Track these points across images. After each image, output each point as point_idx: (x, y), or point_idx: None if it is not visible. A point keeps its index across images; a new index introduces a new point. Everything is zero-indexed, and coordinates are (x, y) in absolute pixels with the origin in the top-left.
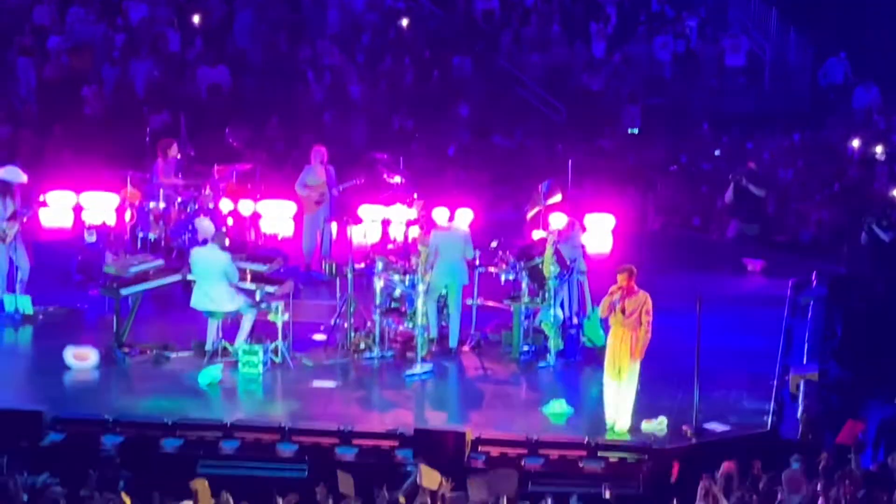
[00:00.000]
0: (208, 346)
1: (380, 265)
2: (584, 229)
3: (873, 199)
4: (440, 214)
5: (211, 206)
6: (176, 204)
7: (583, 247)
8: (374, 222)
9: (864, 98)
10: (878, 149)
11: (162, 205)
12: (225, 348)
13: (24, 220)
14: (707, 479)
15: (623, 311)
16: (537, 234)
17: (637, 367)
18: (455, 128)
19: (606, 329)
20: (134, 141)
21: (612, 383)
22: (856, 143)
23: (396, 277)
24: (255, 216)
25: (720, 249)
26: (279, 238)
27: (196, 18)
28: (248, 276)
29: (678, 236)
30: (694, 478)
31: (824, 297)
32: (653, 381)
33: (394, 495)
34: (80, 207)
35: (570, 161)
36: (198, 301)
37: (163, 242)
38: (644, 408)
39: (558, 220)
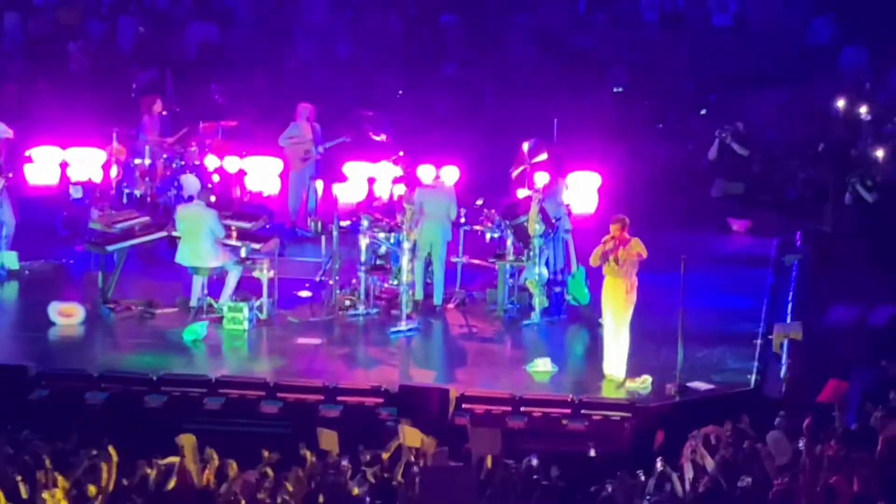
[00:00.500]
0: (193, 303)
1: (365, 223)
2: (567, 186)
3: (857, 160)
4: (425, 172)
5: (197, 162)
6: (162, 160)
7: (567, 205)
8: (359, 179)
9: (850, 58)
10: (863, 109)
11: (148, 161)
12: (210, 305)
13: (10, 175)
14: (693, 439)
15: (616, 261)
16: (522, 193)
17: (629, 314)
18: (442, 86)
19: (591, 287)
20: (120, 97)
21: (609, 332)
22: (841, 103)
23: (381, 235)
24: (241, 173)
25: (705, 209)
26: (265, 195)
27: None
28: (234, 233)
29: (663, 195)
30: (678, 436)
31: (809, 257)
32: (637, 340)
33: (377, 452)
34: (66, 163)
35: (555, 120)
36: (183, 257)
37: (148, 199)
38: (628, 366)
39: (543, 179)
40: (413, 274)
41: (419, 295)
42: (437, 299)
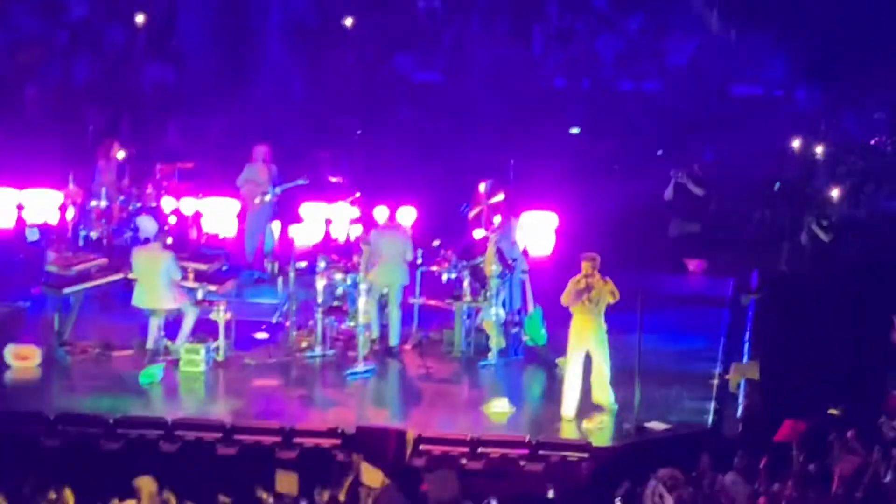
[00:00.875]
0: (150, 345)
1: (322, 264)
2: (520, 226)
3: (813, 199)
4: (381, 213)
5: (153, 204)
6: (118, 202)
7: (524, 246)
8: (316, 221)
9: (805, 98)
10: (819, 149)
11: (104, 203)
12: (167, 347)
13: None
14: (653, 479)
15: (590, 300)
16: (479, 234)
17: (607, 349)
18: (398, 127)
19: (549, 327)
20: (76, 138)
21: (572, 372)
22: (796, 143)
23: (338, 276)
24: (198, 215)
25: (661, 248)
26: (221, 237)
27: (140, 18)
28: (191, 275)
29: (620, 235)
30: (636, 477)
31: (765, 297)
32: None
33: (334, 493)
34: (22, 206)
35: (511, 161)
36: (139, 299)
37: (105, 241)
38: (585, 406)
39: (500, 220)
40: (370, 315)
41: (375, 333)
42: (394, 340)
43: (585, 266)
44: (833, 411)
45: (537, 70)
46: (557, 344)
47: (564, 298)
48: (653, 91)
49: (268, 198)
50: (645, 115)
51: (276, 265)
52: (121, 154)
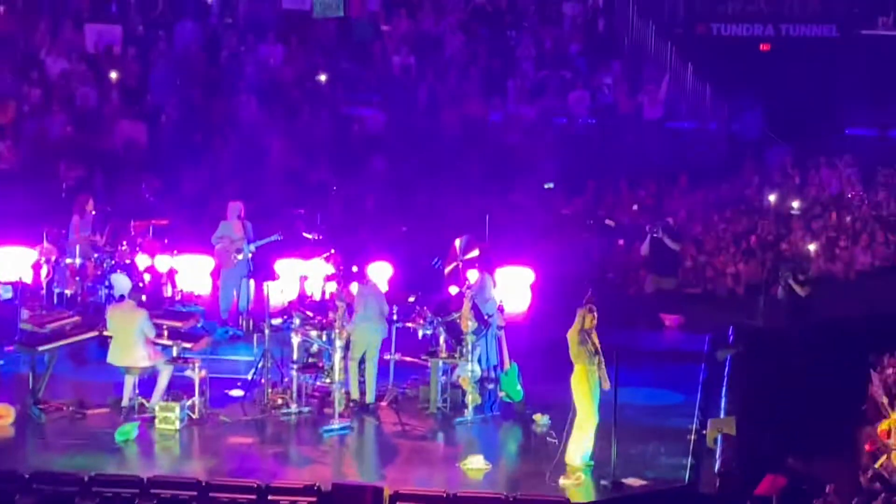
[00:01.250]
0: (125, 403)
1: (297, 321)
2: (494, 283)
3: (789, 254)
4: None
5: (128, 261)
6: (92, 259)
7: (500, 302)
8: (291, 277)
9: (778, 154)
10: (795, 204)
11: (78, 260)
12: (142, 405)
13: None
14: None
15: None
16: (454, 290)
17: None
18: (372, 182)
19: (525, 383)
20: (50, 196)
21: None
22: (772, 197)
23: (314, 333)
24: (172, 272)
25: (637, 304)
26: (196, 294)
27: (113, 75)
28: (165, 333)
29: (595, 291)
30: None
31: (741, 352)
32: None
33: None
34: None
35: (486, 216)
36: (114, 357)
37: (79, 298)
38: (561, 463)
39: (475, 276)
40: (346, 372)
41: (355, 394)
42: (370, 397)
43: (590, 318)
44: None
45: (511, 124)
46: (533, 400)
47: (575, 353)
48: (627, 145)
49: (241, 256)
50: (620, 169)
51: (251, 322)
52: (93, 211)
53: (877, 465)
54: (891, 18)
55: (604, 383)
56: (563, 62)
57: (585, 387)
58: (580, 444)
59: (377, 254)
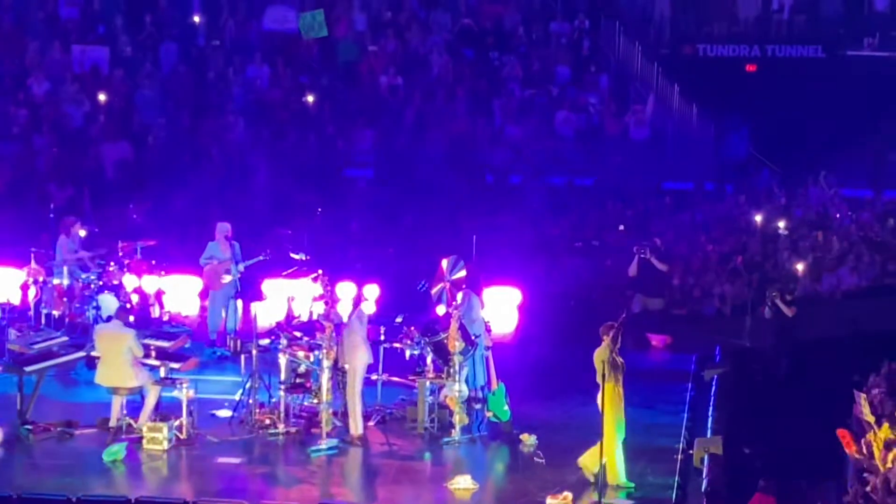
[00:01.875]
0: (112, 423)
1: (284, 341)
2: (482, 303)
3: (776, 274)
4: (345, 290)
5: (115, 282)
6: (80, 280)
7: (487, 322)
8: (279, 298)
9: (764, 174)
10: (781, 224)
11: (66, 281)
12: (129, 425)
13: None
14: None
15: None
16: (441, 310)
17: None
18: (358, 204)
19: (512, 403)
20: (38, 217)
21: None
22: (758, 217)
23: (301, 354)
24: (160, 292)
25: (625, 324)
26: (184, 314)
27: (102, 97)
28: (153, 353)
29: (582, 311)
30: None
31: (728, 372)
32: (557, 456)
33: None
34: None
35: (473, 237)
36: (102, 377)
37: (67, 319)
38: (548, 482)
39: (461, 296)
40: (333, 392)
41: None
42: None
43: (611, 338)
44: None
45: (497, 145)
46: (521, 420)
47: (603, 373)
48: (614, 165)
49: (228, 278)
50: (607, 189)
51: (239, 342)
52: (82, 232)
53: (868, 489)
54: (876, 39)
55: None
56: (549, 82)
57: (617, 405)
58: (617, 462)
59: (365, 274)
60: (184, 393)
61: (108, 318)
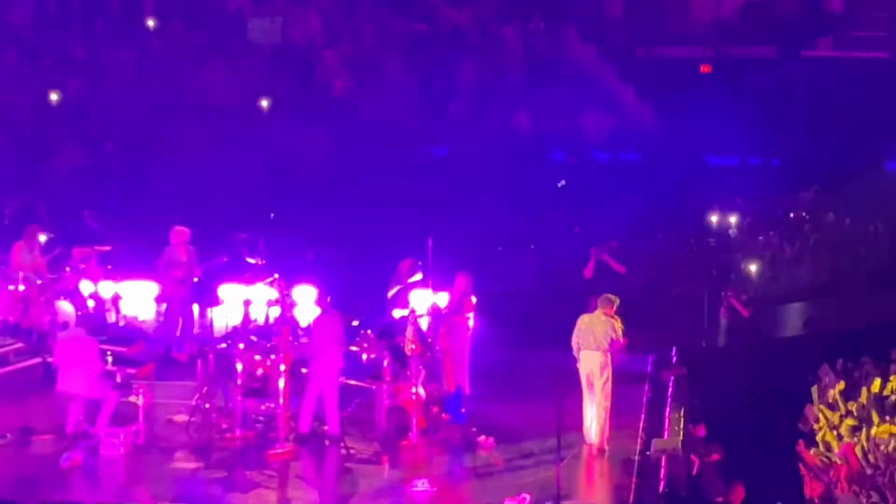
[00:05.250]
0: (70, 430)
1: (241, 345)
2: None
3: (732, 274)
4: (302, 294)
5: (71, 287)
6: (36, 286)
7: (444, 325)
8: (235, 302)
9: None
10: (733, 219)
11: (22, 287)
12: (87, 431)
13: None
14: None
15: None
16: (398, 313)
17: None
18: (315, 207)
19: (468, 406)
20: None
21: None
22: (714, 217)
23: (258, 357)
24: (116, 297)
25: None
26: (140, 319)
27: (53, 96)
28: (110, 359)
29: (539, 314)
30: None
31: (685, 372)
32: (515, 458)
33: None
34: None
35: (429, 238)
36: (61, 385)
37: (23, 325)
38: (506, 484)
39: (419, 299)
40: (290, 397)
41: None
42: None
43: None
44: None
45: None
46: (477, 422)
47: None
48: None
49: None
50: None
51: (196, 347)
52: (42, 237)
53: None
54: (830, 39)
55: None
56: (503, 86)
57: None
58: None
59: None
60: (141, 398)
61: (65, 324)
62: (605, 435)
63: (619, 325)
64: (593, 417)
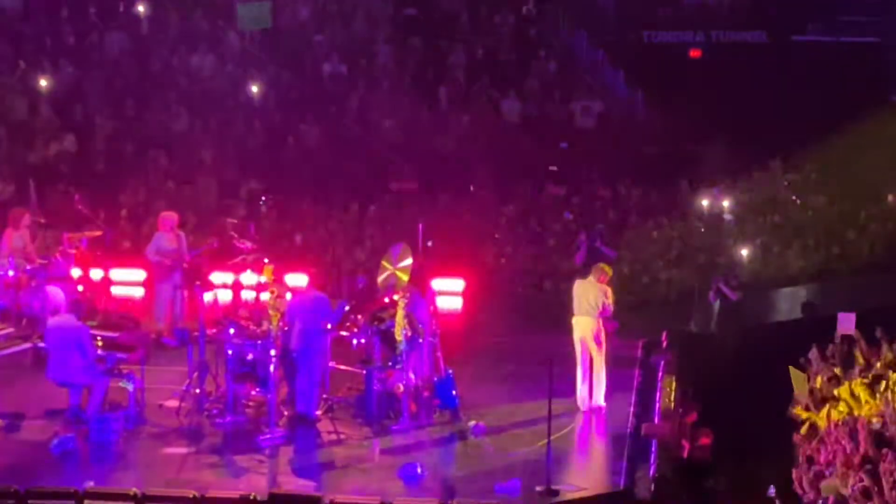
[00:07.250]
0: (69, 415)
1: (231, 330)
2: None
3: (722, 259)
4: (292, 278)
5: (61, 273)
6: (26, 271)
7: (434, 309)
8: (225, 288)
9: (711, 159)
10: (725, 203)
11: (11, 272)
12: (78, 416)
13: None
14: None
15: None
16: (388, 299)
17: None
18: (306, 191)
19: (459, 391)
20: None
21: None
22: (704, 202)
23: (249, 342)
24: (106, 282)
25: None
26: (130, 304)
27: (42, 83)
28: (100, 344)
29: (530, 297)
30: None
31: (675, 357)
32: (505, 442)
33: None
34: None
35: (420, 225)
36: (52, 370)
37: (13, 310)
38: (497, 469)
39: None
40: (281, 381)
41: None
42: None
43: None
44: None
45: (444, 132)
46: (468, 407)
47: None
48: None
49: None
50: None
51: (186, 332)
52: (26, 222)
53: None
54: (820, 24)
55: None
56: (494, 70)
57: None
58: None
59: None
60: (131, 383)
61: (56, 309)
62: (602, 393)
63: (611, 293)
64: (592, 382)
